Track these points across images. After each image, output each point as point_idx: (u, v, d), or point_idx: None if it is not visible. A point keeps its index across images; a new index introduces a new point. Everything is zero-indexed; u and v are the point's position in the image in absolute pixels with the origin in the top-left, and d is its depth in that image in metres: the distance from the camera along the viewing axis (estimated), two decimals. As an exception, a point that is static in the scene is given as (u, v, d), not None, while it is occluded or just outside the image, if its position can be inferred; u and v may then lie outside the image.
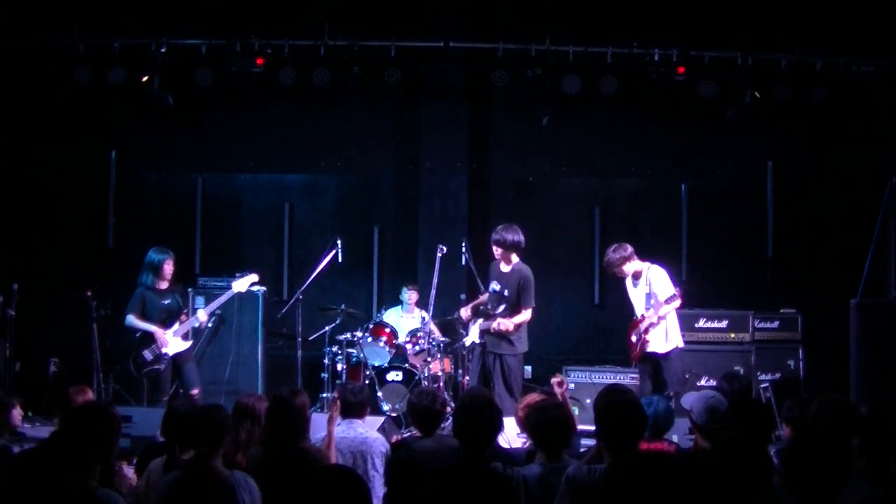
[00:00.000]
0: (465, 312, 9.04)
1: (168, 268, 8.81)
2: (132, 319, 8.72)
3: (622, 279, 8.88)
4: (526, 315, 8.56)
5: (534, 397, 5.79)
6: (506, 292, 8.61)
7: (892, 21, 9.65)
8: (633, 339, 8.78)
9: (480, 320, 8.88)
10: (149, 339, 8.74)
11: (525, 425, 5.35)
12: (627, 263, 8.61)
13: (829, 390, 7.19)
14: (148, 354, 8.69)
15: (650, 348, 8.62)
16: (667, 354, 8.62)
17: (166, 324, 8.79)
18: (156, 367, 8.71)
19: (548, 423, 4.77)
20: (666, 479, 2.67)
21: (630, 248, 8.63)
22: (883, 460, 4.00)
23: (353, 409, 5.88)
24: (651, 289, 8.60)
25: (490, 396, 5.84)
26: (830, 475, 3.50)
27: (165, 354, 8.72)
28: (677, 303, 8.27)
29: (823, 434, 3.60)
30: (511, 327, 8.42)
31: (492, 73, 10.29)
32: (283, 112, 11.02)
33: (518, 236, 8.57)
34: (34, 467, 3.78)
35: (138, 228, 10.87)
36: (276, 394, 5.25)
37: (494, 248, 8.61)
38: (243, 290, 9.13)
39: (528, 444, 5.66)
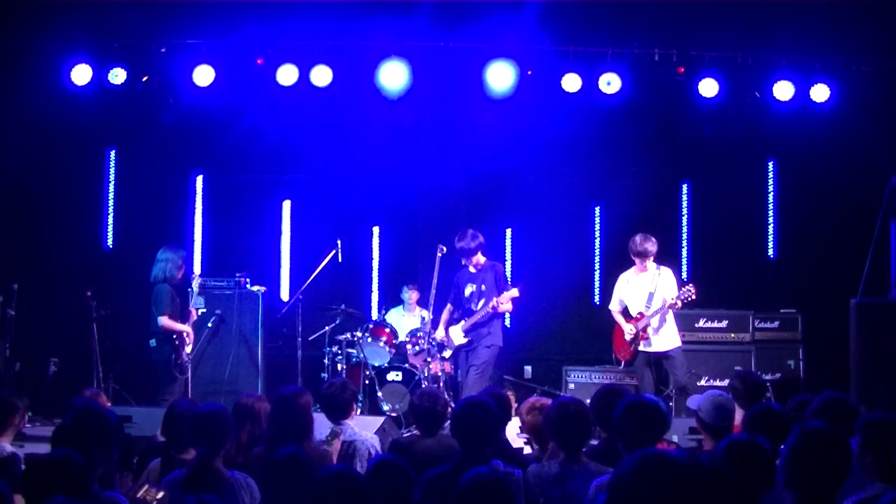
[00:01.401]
0: (440, 333, 9.23)
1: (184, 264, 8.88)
2: (167, 320, 8.65)
3: (621, 273, 9.12)
4: (515, 292, 8.76)
5: (533, 400, 5.77)
6: (483, 287, 8.91)
7: (892, 22, 9.64)
8: (628, 337, 8.80)
9: (462, 323, 8.99)
10: (180, 339, 8.73)
11: (542, 424, 5.33)
12: (654, 255, 8.75)
13: (829, 390, 7.18)
14: (185, 356, 8.72)
15: (656, 348, 8.68)
16: (674, 352, 8.72)
17: (183, 321, 8.83)
18: (189, 367, 8.79)
19: (568, 418, 4.73)
20: (670, 478, 2.66)
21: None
22: (885, 457, 4.00)
23: (341, 410, 5.72)
24: (658, 288, 8.65)
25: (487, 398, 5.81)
26: (830, 474, 3.51)
27: (190, 354, 8.80)
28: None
29: (823, 433, 3.60)
30: (505, 299, 8.69)
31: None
32: (283, 112, 11.01)
33: (478, 238, 8.89)
34: (36, 474, 3.78)
35: (138, 228, 10.85)
36: (280, 393, 5.22)
37: (465, 259, 8.97)
38: (197, 290, 9.17)
39: (534, 452, 5.64)
